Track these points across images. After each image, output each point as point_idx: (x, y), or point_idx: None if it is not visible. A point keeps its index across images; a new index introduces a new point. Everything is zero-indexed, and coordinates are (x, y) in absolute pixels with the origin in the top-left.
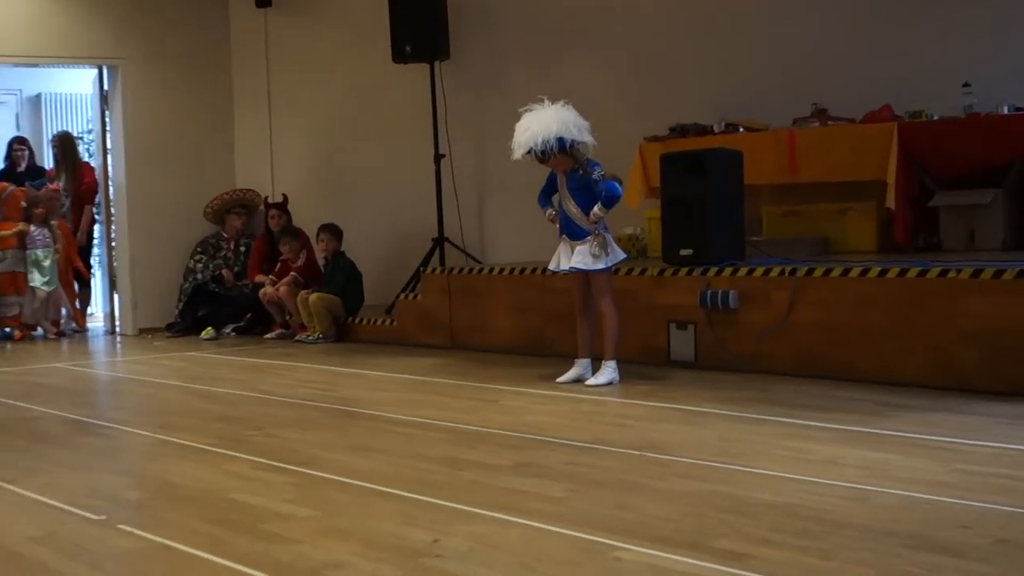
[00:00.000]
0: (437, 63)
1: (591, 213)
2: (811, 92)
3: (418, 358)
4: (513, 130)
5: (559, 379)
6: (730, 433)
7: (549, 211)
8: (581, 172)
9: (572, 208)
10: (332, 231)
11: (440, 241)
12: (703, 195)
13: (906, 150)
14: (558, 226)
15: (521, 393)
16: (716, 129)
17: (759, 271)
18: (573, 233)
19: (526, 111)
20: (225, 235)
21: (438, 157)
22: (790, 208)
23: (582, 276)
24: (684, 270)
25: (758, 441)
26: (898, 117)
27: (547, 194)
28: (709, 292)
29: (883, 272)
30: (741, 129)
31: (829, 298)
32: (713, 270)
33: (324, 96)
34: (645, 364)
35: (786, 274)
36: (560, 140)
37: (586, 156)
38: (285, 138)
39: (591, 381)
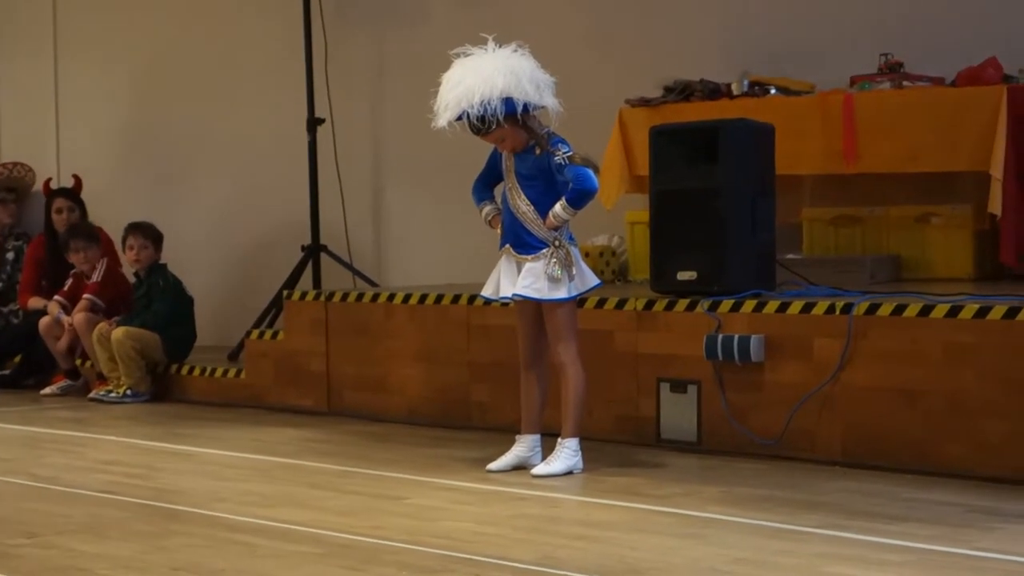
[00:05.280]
0: None
1: (550, 214)
2: (879, 37)
3: (277, 428)
4: (437, 85)
5: (491, 466)
6: (748, 552)
7: (487, 208)
8: (538, 151)
9: (521, 205)
10: (146, 233)
11: (314, 251)
12: (714, 190)
13: (1022, 127)
14: (499, 231)
15: (434, 486)
16: (736, 90)
17: (796, 307)
18: (520, 243)
19: (460, 56)
20: None
21: (314, 123)
22: (845, 212)
23: (532, 309)
24: (683, 303)
25: (790, 565)
26: (1010, 78)
27: (486, 184)
28: (721, 338)
29: (983, 312)
30: (773, 90)
31: (901, 350)
32: (727, 304)
33: (139, 30)
34: (622, 444)
35: (837, 312)
36: (508, 102)
37: (546, 128)
38: (78, 91)
39: (540, 470)
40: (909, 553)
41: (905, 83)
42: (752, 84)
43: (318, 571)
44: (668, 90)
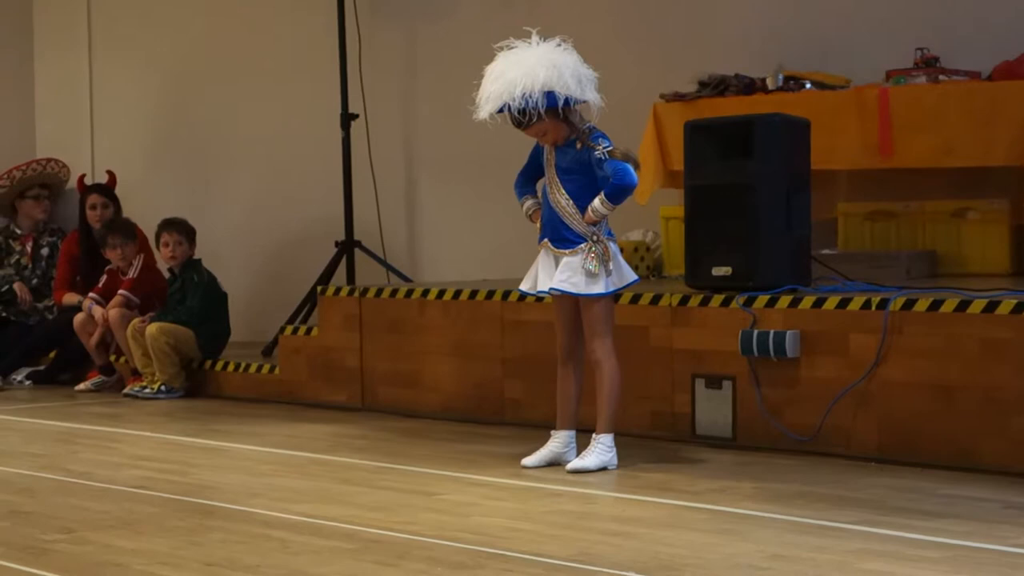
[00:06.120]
0: None
1: (589, 209)
2: (915, 31)
3: (311, 424)
4: (471, 79)
5: (526, 461)
6: (783, 548)
7: (528, 203)
8: (579, 146)
9: (561, 200)
10: (180, 229)
11: (348, 246)
12: (749, 185)
13: None
14: (538, 225)
15: (468, 482)
16: (771, 84)
17: (831, 302)
18: (559, 237)
19: (504, 49)
20: (19, 230)
21: (347, 119)
22: (880, 207)
23: (570, 304)
24: (718, 299)
25: (825, 562)
26: None
27: (529, 178)
28: (756, 333)
29: (1020, 307)
30: (808, 85)
31: (938, 346)
32: (763, 300)
33: (173, 26)
34: (658, 440)
35: (873, 308)
36: (549, 95)
37: (588, 123)
38: (112, 87)
39: (575, 465)
40: (945, 549)
41: (941, 77)
42: (787, 78)
43: (351, 566)
44: (703, 84)
